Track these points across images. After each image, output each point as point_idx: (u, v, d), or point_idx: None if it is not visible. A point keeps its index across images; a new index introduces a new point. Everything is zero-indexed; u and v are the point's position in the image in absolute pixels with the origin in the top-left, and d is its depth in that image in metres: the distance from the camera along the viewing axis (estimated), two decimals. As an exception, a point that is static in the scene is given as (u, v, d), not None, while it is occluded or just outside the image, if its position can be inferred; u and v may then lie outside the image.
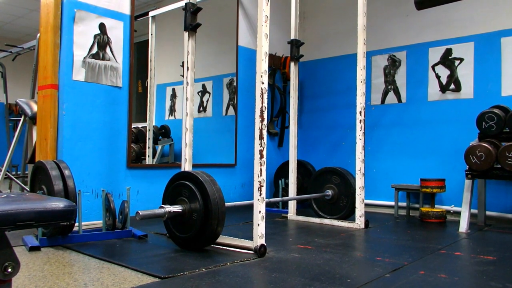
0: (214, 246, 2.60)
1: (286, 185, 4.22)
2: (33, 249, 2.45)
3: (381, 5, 4.60)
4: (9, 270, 1.11)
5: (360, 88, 3.40)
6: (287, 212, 3.92)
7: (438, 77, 4.22)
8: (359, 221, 3.38)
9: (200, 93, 4.94)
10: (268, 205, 3.63)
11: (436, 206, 3.98)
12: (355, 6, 3.48)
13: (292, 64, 3.86)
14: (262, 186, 2.42)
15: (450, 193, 3.99)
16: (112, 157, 3.49)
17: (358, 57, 3.43)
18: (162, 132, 5.18)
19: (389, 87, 4.56)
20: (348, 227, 3.40)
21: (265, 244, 2.41)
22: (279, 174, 4.74)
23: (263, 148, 2.43)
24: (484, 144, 3.22)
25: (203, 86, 4.94)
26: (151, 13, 4.80)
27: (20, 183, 4.24)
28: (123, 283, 1.86)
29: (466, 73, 4.05)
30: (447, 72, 4.16)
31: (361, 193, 3.39)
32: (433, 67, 4.25)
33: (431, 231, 3.36)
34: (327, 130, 5.06)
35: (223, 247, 2.57)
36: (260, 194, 2.41)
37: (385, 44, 4.59)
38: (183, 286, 1.81)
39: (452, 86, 4.13)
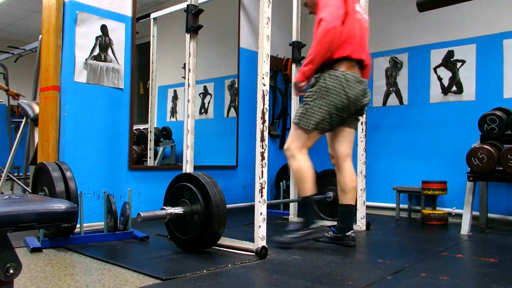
0: (215, 248, 2.60)
1: (287, 187, 4.21)
2: (34, 250, 2.45)
3: (383, 7, 4.60)
4: (11, 271, 1.11)
5: (362, 90, 3.39)
6: (288, 214, 3.91)
7: (440, 79, 4.21)
8: (361, 223, 3.38)
9: (201, 95, 4.94)
10: (269, 207, 3.62)
11: (437, 208, 3.97)
12: (357, 8, 3.48)
13: (293, 66, 3.86)
14: (263, 188, 2.42)
15: (452, 195, 3.98)
16: (113, 159, 3.49)
17: (360, 59, 3.42)
18: (164, 134, 5.19)
19: (391, 89, 4.56)
20: (349, 229, 3.39)
21: (266, 246, 2.41)
22: (280, 176, 4.73)
23: (265, 150, 2.43)
24: (486, 146, 3.22)
25: (205, 88, 4.95)
26: (152, 15, 4.80)
27: (22, 185, 4.24)
28: (125, 284, 1.86)
29: (468, 75, 4.05)
30: (449, 74, 4.16)
31: (363, 195, 3.39)
32: (435, 69, 4.25)
33: (433, 233, 3.35)
34: (328, 132, 5.05)
35: (224, 249, 2.57)
36: (261, 196, 2.41)
37: (387, 46, 4.59)
38: (184, 288, 1.82)
39: (454, 88, 4.12)
